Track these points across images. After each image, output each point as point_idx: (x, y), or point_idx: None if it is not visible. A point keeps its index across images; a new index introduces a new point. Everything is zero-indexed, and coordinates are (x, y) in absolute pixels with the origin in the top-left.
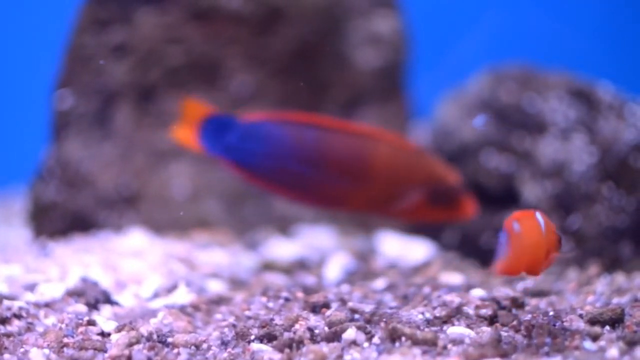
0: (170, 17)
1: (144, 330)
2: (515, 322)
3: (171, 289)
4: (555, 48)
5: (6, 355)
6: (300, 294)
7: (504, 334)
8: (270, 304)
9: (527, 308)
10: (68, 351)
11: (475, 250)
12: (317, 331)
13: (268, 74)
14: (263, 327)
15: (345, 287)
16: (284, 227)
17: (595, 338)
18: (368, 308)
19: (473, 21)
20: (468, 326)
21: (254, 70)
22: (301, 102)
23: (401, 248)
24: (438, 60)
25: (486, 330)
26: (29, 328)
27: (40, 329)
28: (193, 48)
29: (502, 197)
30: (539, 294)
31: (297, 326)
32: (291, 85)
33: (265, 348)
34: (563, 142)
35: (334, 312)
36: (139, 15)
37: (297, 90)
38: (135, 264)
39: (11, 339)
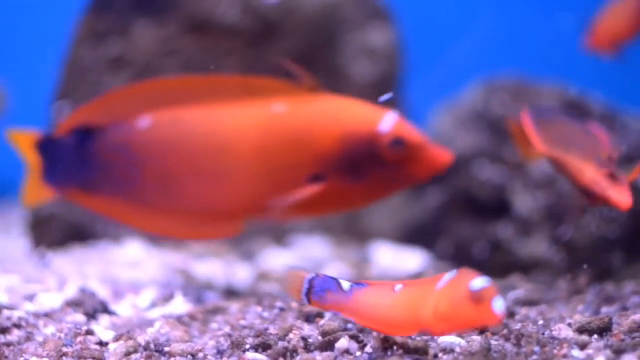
0: (167, 30)
1: (141, 339)
2: (505, 331)
3: (168, 299)
4: (548, 58)
5: None
6: (294, 304)
7: (494, 342)
8: (265, 314)
9: (517, 317)
10: None
11: (468, 261)
12: (310, 340)
13: None
14: (258, 336)
15: None
16: (280, 237)
17: (583, 347)
18: None
19: (466, 31)
20: (459, 335)
21: None
22: None
23: (395, 258)
24: (432, 70)
25: (476, 340)
26: (29, 338)
27: (39, 339)
28: (190, 60)
29: (494, 209)
30: (530, 303)
31: (291, 335)
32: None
33: (260, 357)
34: None
35: (327, 322)
36: (136, 28)
37: None
38: (132, 275)
39: (11, 348)
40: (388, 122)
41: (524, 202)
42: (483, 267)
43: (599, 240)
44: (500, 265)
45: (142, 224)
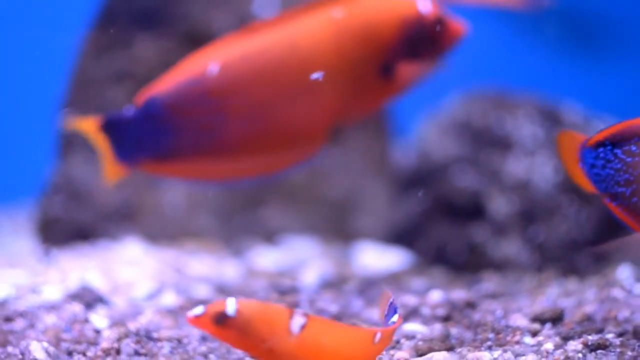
0: (167, 43)
1: (132, 326)
2: (465, 321)
3: (161, 292)
4: (526, 70)
5: (9, 348)
6: (274, 295)
7: (454, 331)
8: None
9: (479, 308)
10: (64, 344)
11: (446, 260)
12: None
13: None
14: None
15: (317, 291)
16: (270, 236)
17: (534, 334)
18: (334, 308)
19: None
20: (422, 324)
21: None
22: None
23: (377, 256)
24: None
25: (438, 328)
26: (32, 326)
27: (41, 327)
28: None
29: (471, 212)
30: (493, 296)
31: None
32: None
33: None
34: (529, 159)
35: (305, 311)
36: (138, 41)
37: None
38: (130, 270)
39: (14, 334)
40: (424, 3)
41: (499, 205)
42: (460, 267)
43: (570, 242)
44: (475, 265)
45: (227, 173)
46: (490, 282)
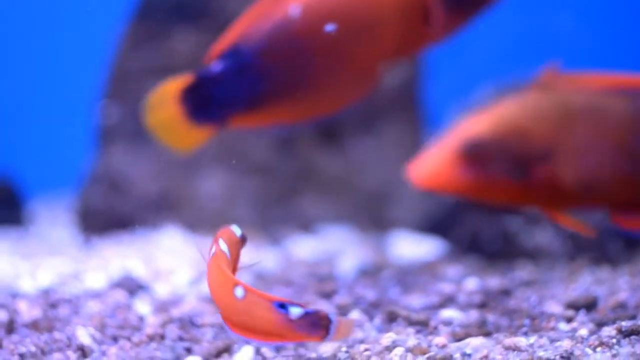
0: (205, 35)
1: (175, 313)
2: (501, 307)
3: (201, 280)
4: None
5: (55, 333)
6: (313, 283)
7: (490, 317)
8: (285, 292)
9: (514, 295)
10: (109, 330)
11: (480, 249)
12: None
13: None
14: None
15: (354, 279)
16: (306, 226)
17: (569, 320)
18: (371, 295)
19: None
20: (459, 311)
21: None
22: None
23: (412, 245)
24: (451, 70)
25: (474, 314)
26: (76, 312)
27: (85, 313)
28: None
29: None
30: (527, 283)
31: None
32: None
33: None
34: None
35: (341, 298)
36: (176, 33)
37: None
38: (170, 259)
39: (60, 321)
40: None
41: None
42: (494, 256)
43: (602, 230)
44: (509, 253)
45: (305, 113)
46: (524, 271)
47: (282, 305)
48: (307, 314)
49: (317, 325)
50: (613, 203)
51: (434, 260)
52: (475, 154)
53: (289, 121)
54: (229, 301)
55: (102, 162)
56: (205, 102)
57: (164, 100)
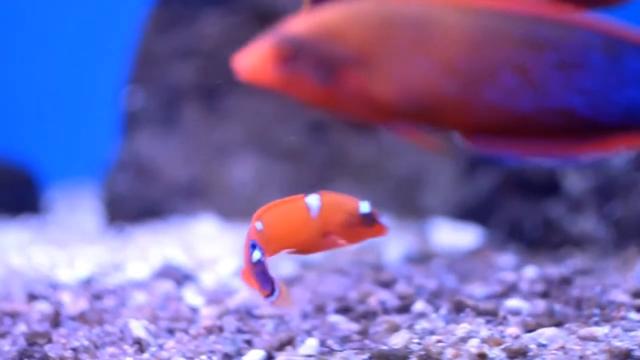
0: (233, 18)
1: (230, 304)
2: (564, 297)
3: None
4: None
5: (107, 326)
6: (368, 272)
7: (555, 306)
8: (342, 281)
9: (574, 284)
10: (162, 323)
11: (521, 236)
12: (388, 304)
13: None
14: (339, 300)
15: (407, 267)
16: None
17: (639, 309)
18: (432, 284)
19: None
20: (523, 300)
21: None
22: None
23: (451, 233)
24: None
25: (540, 304)
26: (122, 304)
27: (132, 305)
28: None
29: (545, 188)
30: (583, 272)
31: (370, 300)
32: None
33: (341, 319)
34: None
35: (402, 287)
36: (203, 16)
37: None
38: (210, 247)
39: (108, 313)
40: None
41: (574, 181)
42: (535, 243)
43: None
44: (551, 241)
45: None
46: (575, 259)
47: (253, 245)
48: (260, 264)
49: (268, 282)
50: (456, 125)
51: (477, 247)
52: (288, 51)
53: None
54: None
55: (128, 148)
56: None
57: None
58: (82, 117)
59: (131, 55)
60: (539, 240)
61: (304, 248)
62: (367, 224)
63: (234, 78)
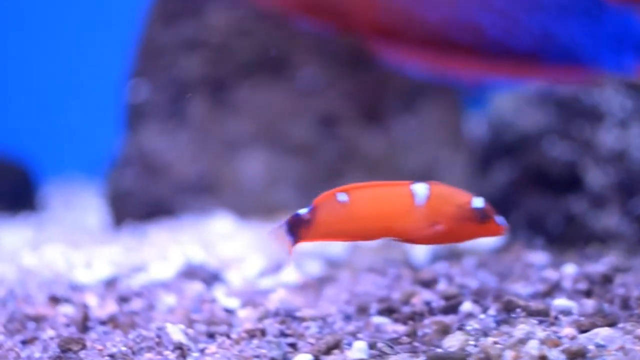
0: (239, 11)
1: (269, 306)
2: (609, 295)
3: (275, 268)
4: None
5: (142, 330)
6: (406, 271)
7: (604, 306)
8: (379, 281)
9: (616, 282)
10: (199, 326)
11: (542, 232)
12: (433, 304)
13: (335, 67)
14: (381, 301)
15: (442, 266)
16: None
17: None
18: (474, 284)
19: None
20: (568, 299)
21: (322, 63)
22: (366, 94)
23: None
24: None
25: (587, 303)
26: (151, 306)
27: (162, 307)
28: (262, 41)
29: (565, 183)
30: (623, 270)
31: (413, 300)
32: (356, 79)
33: (386, 320)
34: (622, 130)
35: (445, 287)
36: (209, 8)
37: (361, 82)
38: (229, 245)
39: (139, 316)
40: None
41: (595, 176)
42: (557, 239)
43: None
44: (573, 237)
45: None
46: (610, 256)
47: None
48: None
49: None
50: (362, 26)
51: (502, 245)
52: None
53: None
54: None
55: (133, 143)
56: None
57: None
58: (78, 112)
59: (135, 48)
60: (562, 237)
61: (407, 237)
62: (480, 221)
63: (243, 71)
